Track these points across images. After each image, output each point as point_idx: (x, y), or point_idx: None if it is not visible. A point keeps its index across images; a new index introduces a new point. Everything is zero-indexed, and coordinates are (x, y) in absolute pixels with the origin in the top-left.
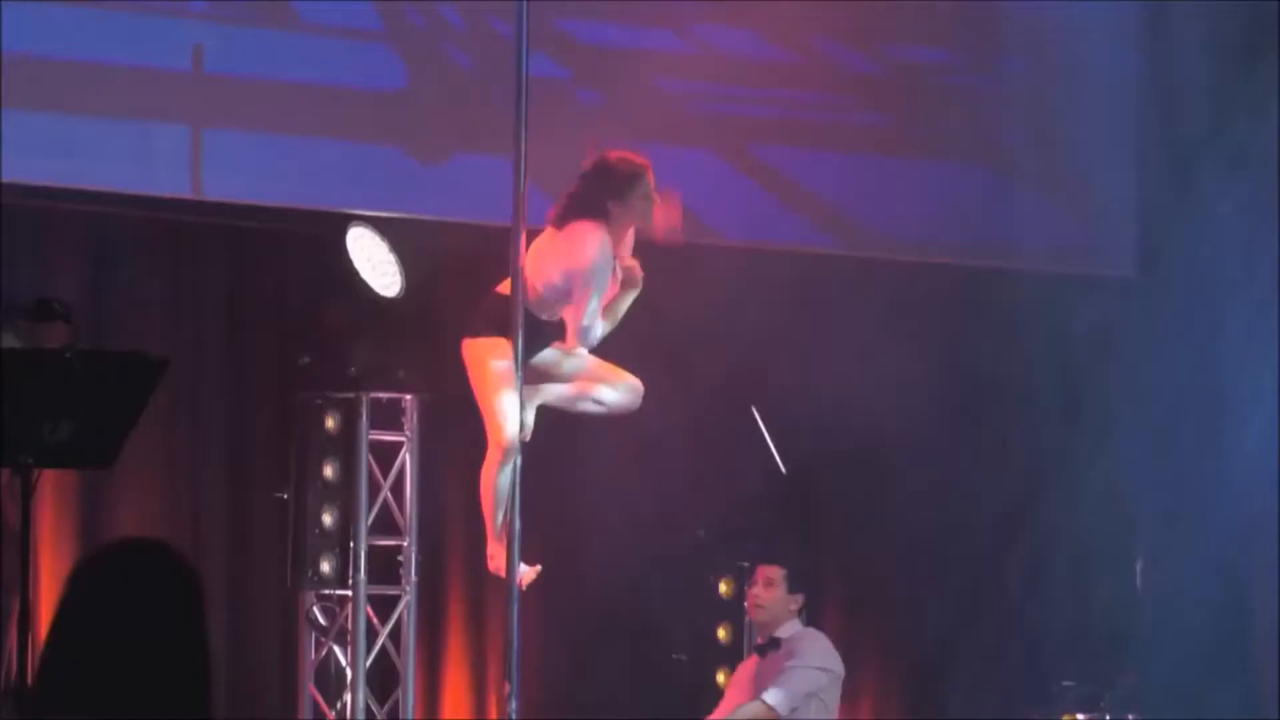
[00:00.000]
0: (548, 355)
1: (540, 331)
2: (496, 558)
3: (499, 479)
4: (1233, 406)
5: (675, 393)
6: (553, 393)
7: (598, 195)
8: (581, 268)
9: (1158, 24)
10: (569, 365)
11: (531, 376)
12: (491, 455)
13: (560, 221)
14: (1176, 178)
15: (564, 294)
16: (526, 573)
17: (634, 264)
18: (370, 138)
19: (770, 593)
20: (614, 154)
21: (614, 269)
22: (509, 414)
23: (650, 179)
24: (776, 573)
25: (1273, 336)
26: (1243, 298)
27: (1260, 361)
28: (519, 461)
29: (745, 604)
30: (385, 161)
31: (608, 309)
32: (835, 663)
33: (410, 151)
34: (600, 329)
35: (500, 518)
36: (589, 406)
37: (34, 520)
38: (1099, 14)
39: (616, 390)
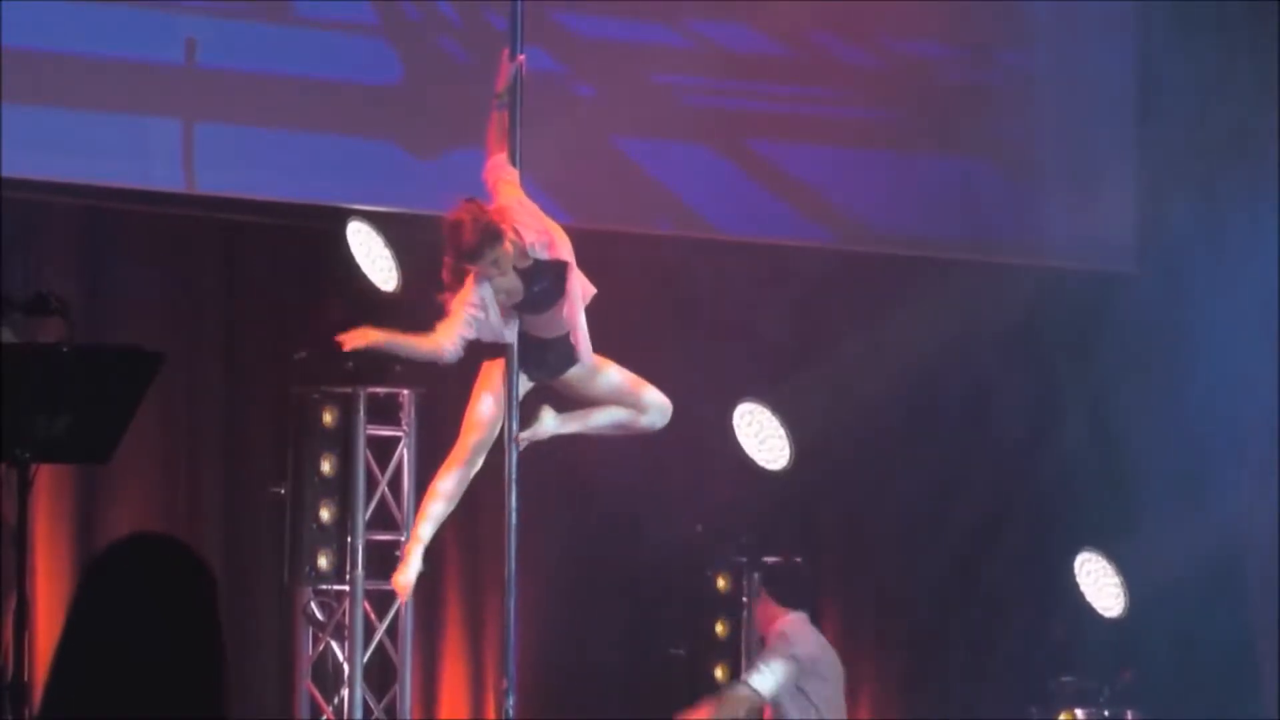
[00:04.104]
0: (576, 373)
1: (545, 351)
2: (404, 574)
3: (443, 484)
4: (1231, 400)
5: (673, 385)
6: (587, 422)
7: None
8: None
9: (1156, 21)
10: (602, 381)
11: (564, 391)
12: (454, 456)
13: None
14: (1177, 173)
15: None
16: (407, 585)
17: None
18: (365, 132)
19: (761, 607)
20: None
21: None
22: (481, 421)
23: (472, 269)
24: (762, 590)
25: (1272, 332)
26: (1242, 292)
27: (1259, 355)
28: (514, 468)
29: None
30: (380, 155)
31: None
32: (809, 649)
33: (406, 146)
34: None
35: (431, 527)
36: (615, 432)
37: (31, 515)
38: (1099, 10)
39: (648, 415)
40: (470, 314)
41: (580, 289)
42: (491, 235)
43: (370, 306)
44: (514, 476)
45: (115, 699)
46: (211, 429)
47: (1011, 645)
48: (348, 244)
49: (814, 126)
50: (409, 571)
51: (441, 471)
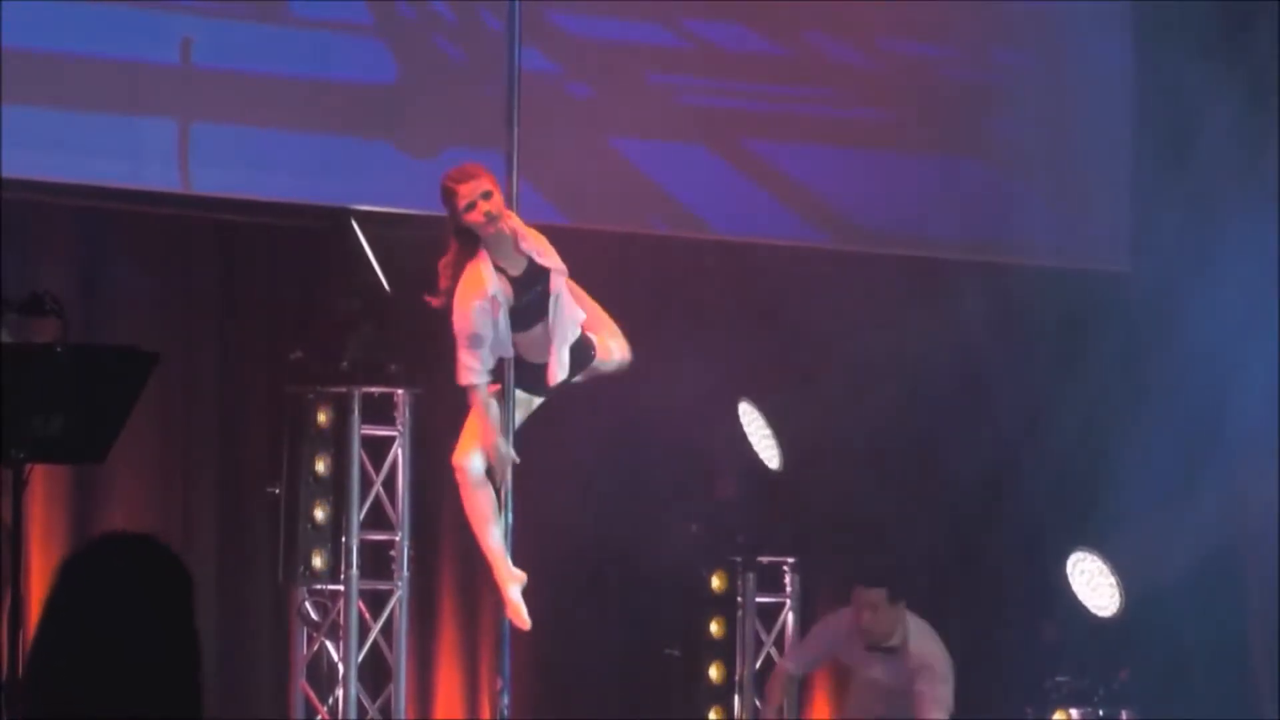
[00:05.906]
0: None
1: (534, 373)
2: (516, 605)
3: (476, 503)
4: (1227, 399)
5: (668, 386)
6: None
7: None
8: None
9: (1151, 18)
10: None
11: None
12: (462, 490)
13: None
14: (1171, 172)
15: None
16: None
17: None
18: (361, 132)
19: (878, 614)
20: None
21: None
22: (467, 449)
23: (460, 189)
24: (879, 595)
25: (1271, 331)
26: (1236, 290)
27: (1254, 353)
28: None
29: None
30: (376, 155)
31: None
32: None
33: (401, 145)
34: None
35: (497, 535)
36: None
37: (26, 515)
38: (1092, 9)
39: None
40: (476, 304)
41: (568, 311)
42: (488, 176)
43: (366, 308)
44: (509, 483)
45: (88, 699)
46: (206, 429)
47: (1007, 645)
48: (357, 239)
49: (810, 126)
50: (522, 611)
51: (469, 508)
